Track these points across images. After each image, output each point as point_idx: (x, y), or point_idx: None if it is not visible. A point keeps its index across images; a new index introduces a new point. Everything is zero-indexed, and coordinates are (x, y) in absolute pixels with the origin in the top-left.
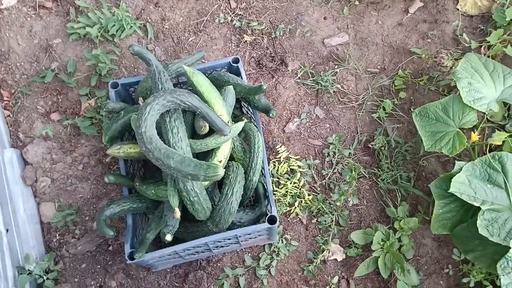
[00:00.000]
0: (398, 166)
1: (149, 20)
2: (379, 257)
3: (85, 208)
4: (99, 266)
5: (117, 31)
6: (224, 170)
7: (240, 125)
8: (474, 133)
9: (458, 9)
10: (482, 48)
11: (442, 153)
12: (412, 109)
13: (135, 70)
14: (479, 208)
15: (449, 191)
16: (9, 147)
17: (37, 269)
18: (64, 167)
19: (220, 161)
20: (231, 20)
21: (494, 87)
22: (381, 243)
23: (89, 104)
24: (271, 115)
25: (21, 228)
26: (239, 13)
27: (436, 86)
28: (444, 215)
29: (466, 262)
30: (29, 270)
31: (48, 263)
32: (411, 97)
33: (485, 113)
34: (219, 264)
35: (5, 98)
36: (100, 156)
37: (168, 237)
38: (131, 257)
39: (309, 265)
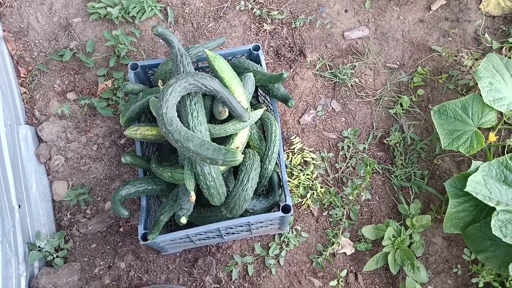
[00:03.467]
0: (412, 163)
1: (170, 4)
2: (389, 252)
3: (97, 188)
4: (109, 247)
5: (137, 13)
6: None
7: (259, 112)
8: (492, 133)
9: (480, 9)
10: (504, 49)
11: (458, 152)
12: (429, 107)
13: (153, 53)
14: (492, 209)
15: (465, 189)
16: (24, 123)
17: (47, 246)
18: (78, 146)
19: (237, 148)
20: (252, 8)
21: None
22: (392, 239)
23: (106, 85)
24: (289, 104)
25: (33, 205)
26: (260, 1)
27: (455, 85)
28: (457, 214)
29: (476, 262)
30: (39, 247)
31: (58, 241)
32: (429, 95)
33: (503, 114)
34: (228, 251)
35: (22, 75)
36: (115, 137)
37: (183, 220)
38: (144, 238)
39: (318, 257)
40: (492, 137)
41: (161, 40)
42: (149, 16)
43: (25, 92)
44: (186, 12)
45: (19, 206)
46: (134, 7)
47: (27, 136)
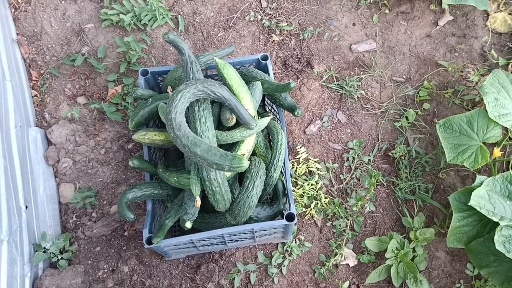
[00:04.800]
0: (417, 177)
1: (181, 13)
2: (392, 265)
3: (103, 192)
4: (113, 251)
5: (149, 20)
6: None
7: (266, 120)
8: (497, 148)
9: (487, 26)
10: (510, 66)
11: (462, 166)
12: (435, 121)
13: (164, 60)
14: (496, 224)
15: (469, 204)
16: (34, 126)
17: (52, 248)
18: (86, 150)
19: (243, 155)
20: (261, 19)
21: None
22: (395, 251)
23: (116, 90)
24: (296, 113)
25: (40, 207)
26: (269, 12)
27: (460, 100)
28: (461, 228)
29: (479, 278)
30: (44, 248)
31: (63, 243)
32: (435, 109)
33: (508, 130)
34: (231, 259)
35: (33, 78)
36: (123, 142)
37: (188, 224)
38: (149, 241)
39: (321, 268)
40: (497, 152)
41: (171, 48)
42: (160, 24)
43: (36, 95)
44: (197, 21)
45: (26, 207)
46: (146, 15)
47: (37, 138)
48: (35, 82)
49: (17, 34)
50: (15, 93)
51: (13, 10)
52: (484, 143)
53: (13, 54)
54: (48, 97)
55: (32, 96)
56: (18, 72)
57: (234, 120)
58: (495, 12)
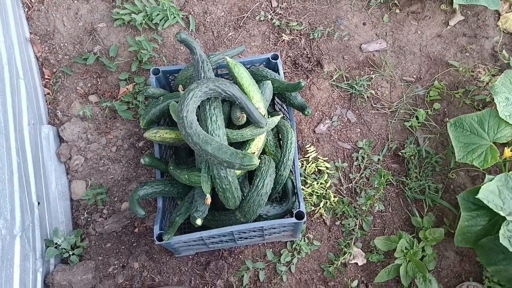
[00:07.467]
0: (426, 177)
1: (192, 12)
2: (401, 264)
3: (114, 189)
4: (123, 247)
5: (160, 20)
6: (259, 161)
7: (276, 119)
8: (507, 148)
9: (498, 26)
10: None
11: (473, 167)
12: (445, 121)
13: (174, 60)
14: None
15: (477, 196)
16: (46, 123)
17: (64, 244)
18: (98, 147)
19: (253, 153)
20: (271, 19)
21: None
22: (405, 251)
23: (127, 89)
24: (306, 112)
25: (52, 203)
26: (279, 12)
27: (471, 100)
28: (469, 228)
29: (488, 278)
30: (56, 243)
31: (75, 239)
32: (445, 109)
33: None
34: (240, 256)
35: (46, 76)
36: (134, 140)
37: (198, 221)
38: (160, 238)
39: (330, 267)
40: (507, 152)
41: (182, 47)
42: (171, 24)
43: (48, 93)
44: (207, 21)
45: (39, 203)
46: (158, 14)
47: (49, 135)
48: (47, 80)
49: (30, 33)
50: (28, 91)
51: (26, 10)
52: (494, 142)
53: (27, 53)
54: (60, 95)
55: (45, 94)
56: (31, 71)
57: (245, 119)
58: (506, 12)
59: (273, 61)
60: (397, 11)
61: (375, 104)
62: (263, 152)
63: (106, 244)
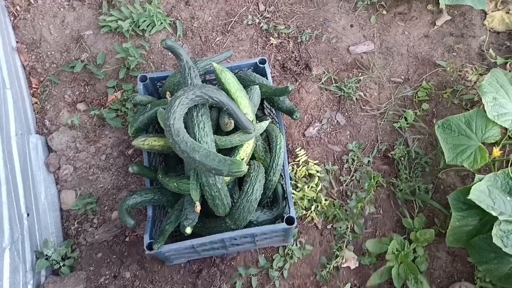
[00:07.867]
0: (416, 177)
1: (179, 18)
2: (393, 267)
3: (104, 198)
4: (114, 256)
5: (147, 26)
6: (247, 167)
7: (264, 124)
8: (496, 148)
9: (485, 25)
10: (508, 65)
11: (462, 167)
12: (434, 121)
13: (162, 66)
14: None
15: (468, 197)
16: (34, 133)
17: (54, 255)
18: (87, 156)
19: (242, 159)
20: (259, 23)
21: None
22: (396, 253)
23: (115, 96)
24: (295, 116)
25: (41, 214)
26: (267, 16)
27: (459, 99)
28: (460, 228)
29: (480, 278)
30: (46, 255)
31: (65, 249)
32: (434, 109)
33: (507, 129)
34: (232, 263)
35: (33, 86)
36: (123, 148)
37: (188, 230)
38: (150, 247)
39: (322, 271)
40: (496, 152)
41: (170, 53)
42: (158, 30)
43: (36, 102)
44: (195, 26)
45: (28, 215)
46: (144, 20)
47: (37, 145)
48: (35, 89)
49: (17, 42)
50: (15, 101)
51: (12, 18)
52: (483, 143)
53: (13, 62)
54: (48, 104)
55: (32, 104)
56: (18, 80)
57: (233, 125)
58: (492, 11)
59: (261, 65)
60: (384, 12)
61: (364, 106)
62: (253, 157)
63: (97, 254)
